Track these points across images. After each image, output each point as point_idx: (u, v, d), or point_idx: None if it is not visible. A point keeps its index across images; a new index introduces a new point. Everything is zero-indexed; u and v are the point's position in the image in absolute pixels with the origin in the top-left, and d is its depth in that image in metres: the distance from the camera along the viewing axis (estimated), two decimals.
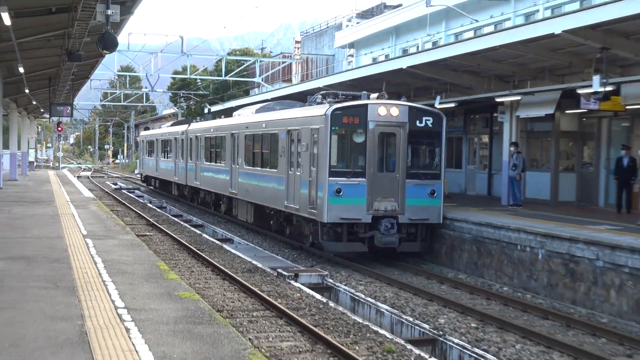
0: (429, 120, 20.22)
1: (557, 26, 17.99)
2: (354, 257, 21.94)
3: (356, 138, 19.94)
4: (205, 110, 50.41)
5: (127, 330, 8.69)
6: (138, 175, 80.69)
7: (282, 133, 23.68)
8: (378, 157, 19.83)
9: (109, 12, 11.64)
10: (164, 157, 46.32)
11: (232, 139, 29.81)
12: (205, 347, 8.12)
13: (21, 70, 26.44)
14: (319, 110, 20.47)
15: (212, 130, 34.21)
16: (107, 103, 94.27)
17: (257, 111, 28.90)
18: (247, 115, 30.05)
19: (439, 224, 21.04)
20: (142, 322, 9.11)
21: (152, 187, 55.70)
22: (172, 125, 49.13)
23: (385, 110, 19.64)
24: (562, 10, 28.81)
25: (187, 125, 40.34)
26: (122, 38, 48.44)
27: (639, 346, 13.58)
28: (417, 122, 20.11)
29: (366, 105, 19.95)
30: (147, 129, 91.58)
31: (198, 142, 36.55)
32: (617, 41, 18.15)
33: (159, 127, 56.44)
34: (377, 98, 21.23)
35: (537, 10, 32.55)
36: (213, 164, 33.64)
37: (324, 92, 23.32)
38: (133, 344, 8.05)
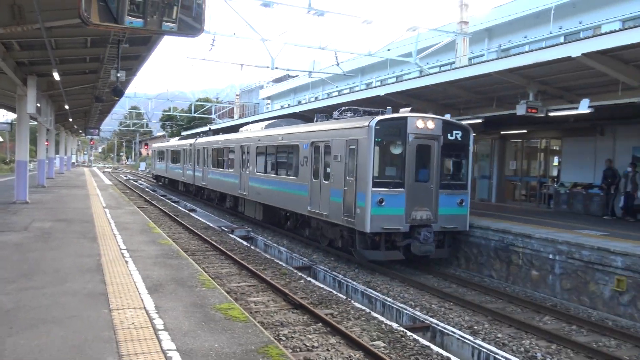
0: (458, 133, 13.93)
1: (381, 91, 18.40)
2: (266, 221, 20.27)
3: (394, 150, 13.46)
4: (206, 128, 40.53)
5: (126, 262, 8.50)
6: (141, 171, 78.32)
7: (304, 145, 16.23)
8: (415, 168, 13.41)
9: (118, 74, 11.43)
10: (173, 163, 37.44)
11: (242, 150, 22.11)
12: (173, 271, 8.02)
13: (67, 107, 25.20)
14: (360, 122, 13.76)
15: (219, 143, 25.88)
16: (122, 128, 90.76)
17: (267, 127, 21.26)
18: (257, 131, 21.76)
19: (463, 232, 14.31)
20: (136, 258, 8.92)
21: (160, 183, 45.85)
22: (179, 139, 41.43)
23: (423, 123, 13.51)
24: (386, 82, 29.51)
25: (194, 140, 31.96)
26: (131, 89, 47.83)
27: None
28: (449, 135, 13.81)
29: (406, 118, 13.49)
30: (146, 144, 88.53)
31: (205, 152, 28.27)
32: (414, 101, 18.76)
33: (167, 141, 47.34)
34: (410, 111, 14.56)
35: (372, 81, 33.28)
36: (220, 169, 25.40)
37: (345, 107, 16.08)
38: (129, 270, 7.90)
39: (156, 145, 50.41)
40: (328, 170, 14.78)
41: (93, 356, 4.49)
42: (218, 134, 30.45)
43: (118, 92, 12.29)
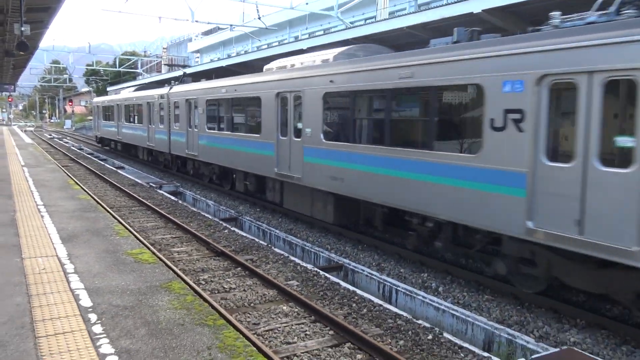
0: None
1: (304, 44, 18.54)
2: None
3: None
4: (178, 73, 30.24)
5: (42, 216, 8.65)
6: (67, 129, 74.76)
7: (504, 84, 7.29)
8: None
9: (22, 29, 11.03)
10: (130, 122, 27.34)
11: (279, 101, 13.02)
12: (89, 223, 8.26)
13: None
14: None
15: (224, 91, 16.24)
16: (43, 84, 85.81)
17: (340, 58, 11.89)
18: (315, 67, 12.11)
19: None
20: (52, 212, 9.05)
21: (108, 148, 35.67)
22: (137, 90, 28.63)
23: None
24: (314, 34, 29.50)
25: (167, 89, 22.13)
26: (48, 41, 44.80)
27: None
28: None
29: None
30: (70, 100, 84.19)
31: (193, 106, 18.88)
32: None
33: (116, 93, 35.64)
34: None
35: (298, 34, 33.10)
36: (228, 133, 16.02)
37: None
38: (44, 224, 8.08)
39: (100, 99, 37.40)
40: None
41: (2, 298, 4.81)
42: (199, 81, 20.66)
43: (23, 46, 11.86)
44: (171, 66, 27.35)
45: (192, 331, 4.08)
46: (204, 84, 18.80)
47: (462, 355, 6.28)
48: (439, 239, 9.36)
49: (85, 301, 4.67)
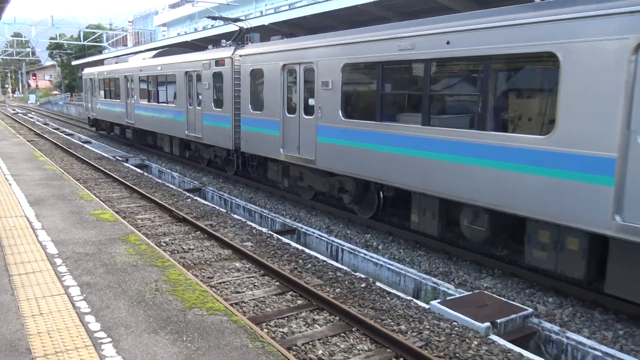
0: None
1: (265, 20, 19.01)
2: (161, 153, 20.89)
3: None
4: (232, 28, 19.50)
5: (10, 184, 9.26)
6: (31, 104, 73.33)
7: None
8: None
9: None
10: (150, 101, 20.31)
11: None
12: (55, 189, 8.93)
13: None
14: None
15: (404, 45, 8.32)
16: (4, 57, 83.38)
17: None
18: None
19: None
20: (19, 181, 9.67)
21: (105, 133, 28.14)
22: (158, 55, 21.10)
23: None
24: (279, 9, 29.80)
25: (229, 50, 14.68)
26: (8, 13, 43.70)
27: None
28: None
29: None
30: (34, 74, 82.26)
31: (296, 77, 11.42)
32: (300, 30, 19.57)
33: (118, 60, 25.84)
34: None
35: (263, 10, 33.26)
36: (415, 127, 8.60)
37: None
38: (12, 190, 8.72)
39: (96, 69, 27.79)
40: None
41: None
42: (268, 40, 13.96)
43: None
44: (216, 19, 18.72)
45: (143, 270, 4.91)
46: (330, 38, 10.67)
47: (388, 299, 7.26)
48: None
49: (52, 250, 5.45)
